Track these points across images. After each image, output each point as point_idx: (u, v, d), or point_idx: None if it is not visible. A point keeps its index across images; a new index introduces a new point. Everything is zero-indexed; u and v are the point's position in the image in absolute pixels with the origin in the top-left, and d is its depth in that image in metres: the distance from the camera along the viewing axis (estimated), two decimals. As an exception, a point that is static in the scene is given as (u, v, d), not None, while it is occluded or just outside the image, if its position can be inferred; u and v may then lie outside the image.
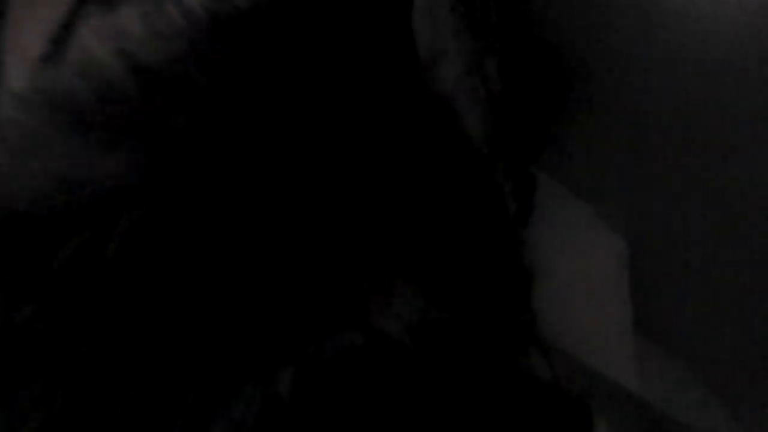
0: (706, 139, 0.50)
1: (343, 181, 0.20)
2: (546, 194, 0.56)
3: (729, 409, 0.55)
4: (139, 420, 0.17)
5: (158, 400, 0.17)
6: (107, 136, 0.20)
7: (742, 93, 0.45)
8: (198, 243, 0.18)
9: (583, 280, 0.52)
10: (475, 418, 0.21)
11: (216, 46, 0.21)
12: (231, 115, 0.20)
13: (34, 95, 0.23)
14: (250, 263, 0.18)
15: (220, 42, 0.22)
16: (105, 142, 0.20)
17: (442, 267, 0.21)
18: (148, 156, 0.19)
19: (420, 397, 0.20)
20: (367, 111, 0.22)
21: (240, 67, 0.21)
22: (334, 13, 0.24)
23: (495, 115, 0.48)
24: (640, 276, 0.56)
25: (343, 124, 0.21)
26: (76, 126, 0.20)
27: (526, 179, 0.54)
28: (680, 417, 0.52)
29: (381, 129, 0.22)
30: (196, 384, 0.17)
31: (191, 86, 0.20)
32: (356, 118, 0.22)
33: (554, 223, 0.56)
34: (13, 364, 0.17)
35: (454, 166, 0.24)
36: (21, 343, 0.17)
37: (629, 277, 0.56)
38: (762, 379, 0.52)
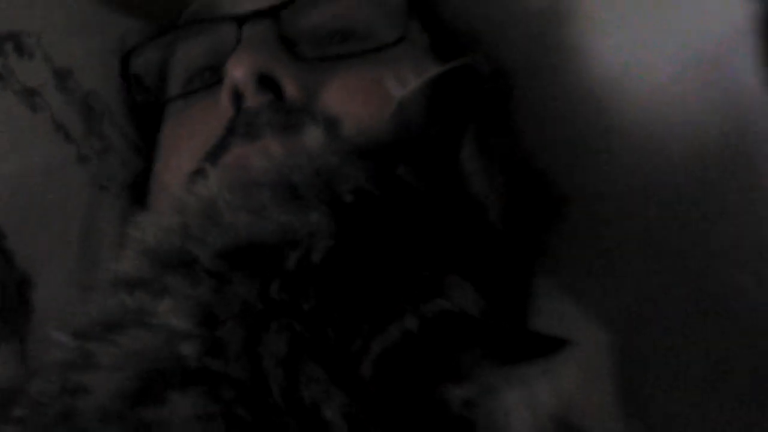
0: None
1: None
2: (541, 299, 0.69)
3: None
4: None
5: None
6: (308, 203, 0.37)
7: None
8: (365, 253, 0.35)
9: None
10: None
11: (363, 164, 0.38)
12: (377, 200, 0.37)
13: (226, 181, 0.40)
14: (392, 261, 0.35)
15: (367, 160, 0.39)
16: (307, 206, 0.36)
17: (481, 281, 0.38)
18: (334, 215, 0.36)
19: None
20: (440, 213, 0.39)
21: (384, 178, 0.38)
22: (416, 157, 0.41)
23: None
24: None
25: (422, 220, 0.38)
26: (288, 198, 0.37)
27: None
28: None
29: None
30: (374, 307, 0.34)
31: (355, 182, 0.37)
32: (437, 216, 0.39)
33: (547, 318, 0.68)
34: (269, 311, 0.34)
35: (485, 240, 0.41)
36: (277, 303, 0.34)
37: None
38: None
